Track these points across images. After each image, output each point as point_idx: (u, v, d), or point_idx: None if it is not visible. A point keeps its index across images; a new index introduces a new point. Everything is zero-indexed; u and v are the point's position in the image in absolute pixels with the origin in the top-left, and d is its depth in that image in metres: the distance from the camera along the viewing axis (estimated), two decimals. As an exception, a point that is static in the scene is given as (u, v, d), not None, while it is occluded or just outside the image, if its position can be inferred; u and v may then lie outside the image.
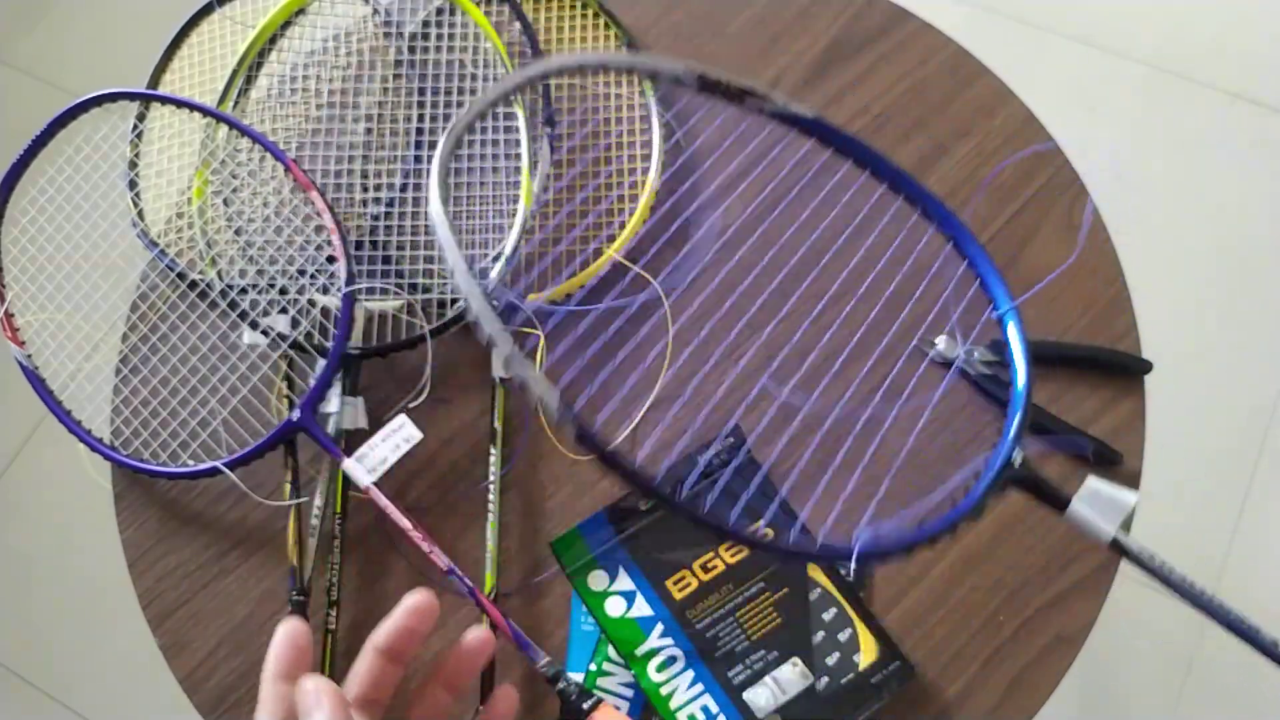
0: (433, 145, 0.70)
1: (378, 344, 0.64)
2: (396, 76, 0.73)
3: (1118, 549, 0.45)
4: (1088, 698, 1.17)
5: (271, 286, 0.66)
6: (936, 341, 0.66)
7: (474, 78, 0.71)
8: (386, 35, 0.74)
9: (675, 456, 0.64)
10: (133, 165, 0.74)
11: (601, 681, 0.58)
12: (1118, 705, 1.18)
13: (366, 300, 0.65)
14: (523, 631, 0.53)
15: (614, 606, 0.59)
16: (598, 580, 0.60)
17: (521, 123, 0.68)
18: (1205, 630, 1.18)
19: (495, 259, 0.65)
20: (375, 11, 0.74)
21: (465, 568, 0.59)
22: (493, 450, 0.63)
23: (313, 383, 0.60)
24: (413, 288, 0.67)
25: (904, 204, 0.57)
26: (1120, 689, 1.18)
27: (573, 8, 0.77)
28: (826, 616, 0.59)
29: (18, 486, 1.40)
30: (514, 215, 0.66)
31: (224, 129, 0.70)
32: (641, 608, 0.59)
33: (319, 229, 0.66)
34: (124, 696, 1.28)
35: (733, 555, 0.60)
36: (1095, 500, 0.45)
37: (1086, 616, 0.60)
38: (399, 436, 0.58)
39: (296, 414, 0.59)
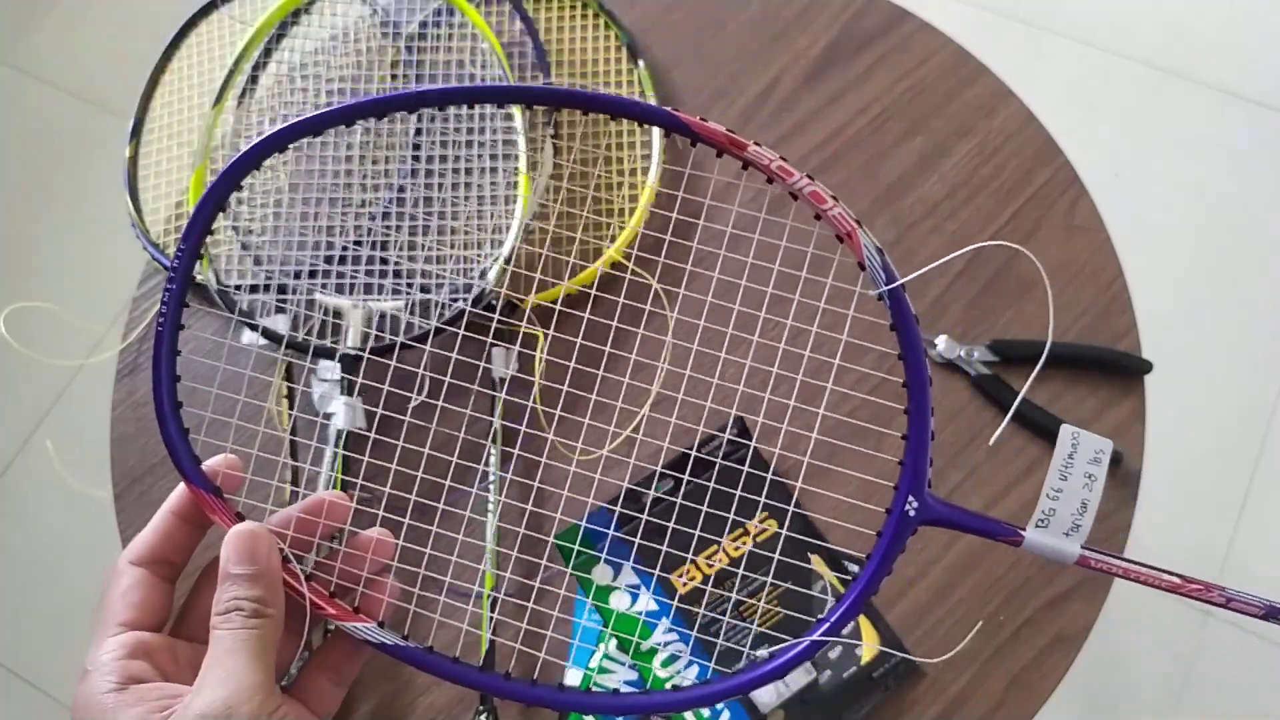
0: (431, 145, 0.70)
1: (377, 344, 0.64)
2: (394, 77, 0.73)
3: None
4: (1088, 698, 1.17)
5: (269, 287, 0.66)
6: (936, 341, 0.66)
7: (472, 78, 0.71)
8: (385, 35, 0.74)
9: (678, 451, 0.64)
10: (133, 165, 0.74)
11: (601, 678, 0.58)
12: (1118, 705, 1.18)
13: (366, 300, 0.65)
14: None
15: (619, 601, 0.59)
16: (602, 575, 0.60)
17: (519, 123, 0.68)
18: (1205, 630, 1.18)
19: (495, 259, 0.65)
20: (374, 12, 0.74)
21: (465, 567, 0.59)
22: (492, 450, 0.63)
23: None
24: (411, 287, 0.67)
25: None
26: (1120, 689, 1.18)
27: (573, 7, 0.77)
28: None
29: (18, 486, 1.40)
30: (512, 215, 0.66)
31: (220, 130, 0.70)
32: (646, 602, 0.59)
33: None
34: (124, 697, 1.28)
35: (736, 549, 0.61)
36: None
37: (1086, 616, 0.60)
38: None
39: None
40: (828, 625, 0.41)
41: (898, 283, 0.39)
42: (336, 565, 0.43)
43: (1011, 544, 0.41)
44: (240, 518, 0.42)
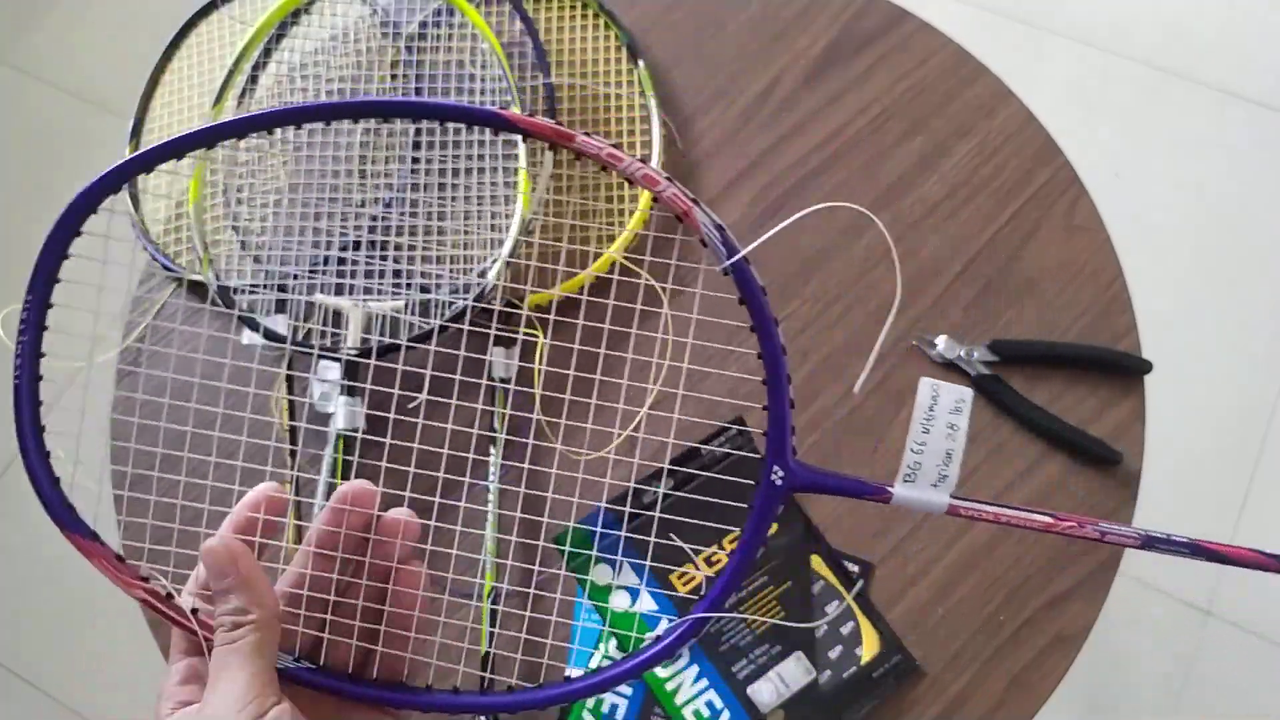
0: (430, 146, 0.70)
1: (377, 344, 0.64)
2: (394, 76, 0.73)
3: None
4: (1088, 698, 1.17)
5: (269, 287, 0.66)
6: (936, 341, 0.66)
7: (472, 78, 0.71)
8: (385, 35, 0.74)
9: (678, 450, 0.64)
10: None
11: (601, 681, 0.58)
12: (1118, 705, 1.18)
13: (366, 300, 0.65)
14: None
15: (618, 601, 0.59)
16: (602, 575, 0.60)
17: (521, 123, 0.68)
18: (1205, 630, 1.18)
19: (495, 260, 0.65)
20: (374, 12, 0.74)
21: (465, 568, 0.59)
22: (492, 450, 0.63)
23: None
24: (411, 288, 0.67)
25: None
26: (1120, 689, 1.18)
27: (573, 7, 0.77)
28: (829, 610, 0.59)
29: (18, 487, 1.40)
30: (512, 215, 0.66)
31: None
32: (646, 602, 0.59)
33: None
34: (124, 697, 1.28)
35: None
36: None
37: (1086, 616, 0.60)
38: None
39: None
40: (707, 603, 0.41)
41: (739, 255, 0.40)
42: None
43: (881, 501, 0.41)
44: (120, 560, 0.42)
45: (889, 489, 0.41)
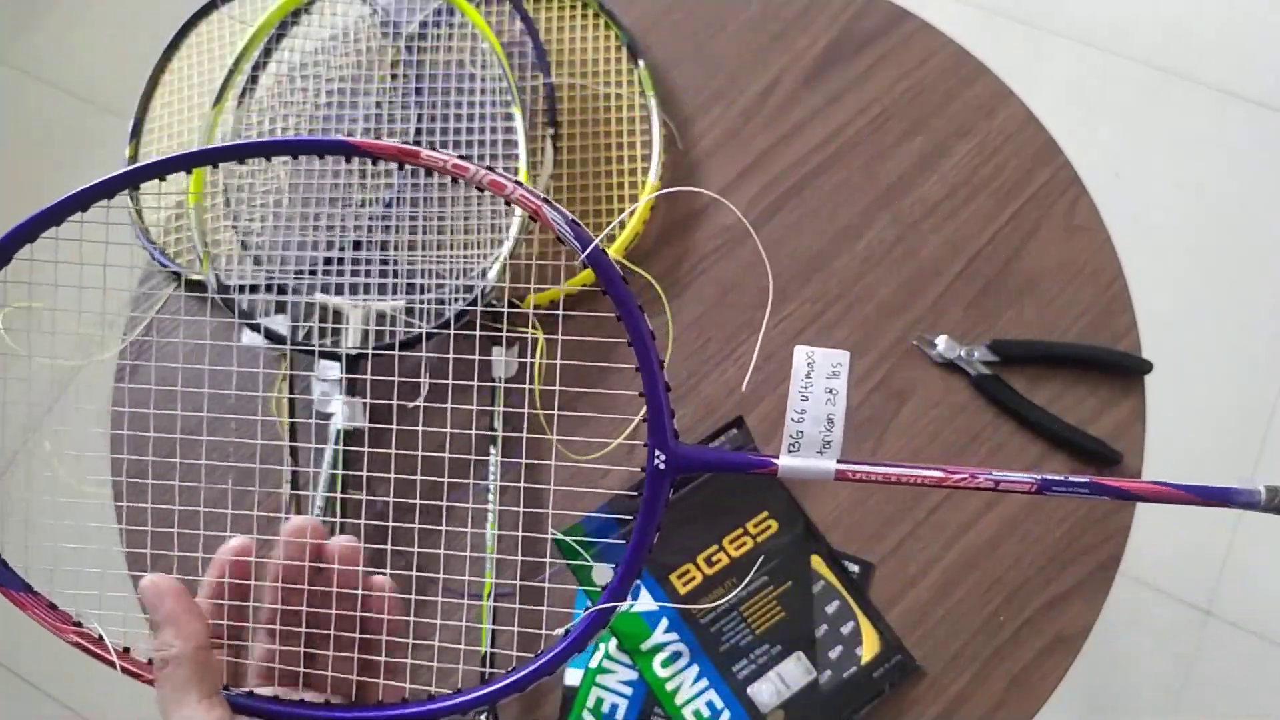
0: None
1: (378, 344, 0.64)
2: (394, 76, 0.73)
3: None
4: (1088, 698, 1.17)
5: (270, 287, 0.66)
6: (936, 341, 0.66)
7: (472, 77, 0.71)
8: (385, 35, 0.74)
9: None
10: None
11: (602, 678, 0.58)
12: (1118, 705, 1.18)
13: (366, 300, 0.65)
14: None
15: (617, 603, 0.59)
16: (602, 575, 0.60)
17: (519, 124, 0.68)
18: (1205, 630, 1.18)
19: (495, 260, 0.65)
20: (374, 12, 0.74)
21: (465, 568, 0.59)
22: (492, 450, 0.63)
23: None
24: (411, 287, 0.67)
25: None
26: (1120, 689, 1.18)
27: (573, 7, 0.77)
28: (830, 610, 0.59)
29: (17, 487, 1.40)
30: (513, 215, 0.66)
31: (220, 130, 0.70)
32: (646, 602, 0.59)
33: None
34: (124, 697, 1.27)
35: (737, 549, 0.61)
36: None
37: (1087, 616, 0.60)
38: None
39: None
40: (609, 594, 0.41)
41: (593, 244, 0.40)
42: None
43: (767, 474, 0.41)
44: (53, 608, 0.45)
45: (774, 460, 0.40)
